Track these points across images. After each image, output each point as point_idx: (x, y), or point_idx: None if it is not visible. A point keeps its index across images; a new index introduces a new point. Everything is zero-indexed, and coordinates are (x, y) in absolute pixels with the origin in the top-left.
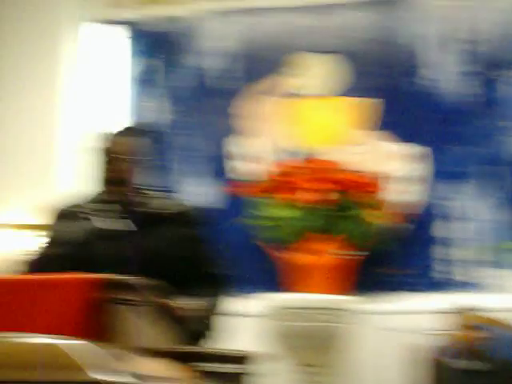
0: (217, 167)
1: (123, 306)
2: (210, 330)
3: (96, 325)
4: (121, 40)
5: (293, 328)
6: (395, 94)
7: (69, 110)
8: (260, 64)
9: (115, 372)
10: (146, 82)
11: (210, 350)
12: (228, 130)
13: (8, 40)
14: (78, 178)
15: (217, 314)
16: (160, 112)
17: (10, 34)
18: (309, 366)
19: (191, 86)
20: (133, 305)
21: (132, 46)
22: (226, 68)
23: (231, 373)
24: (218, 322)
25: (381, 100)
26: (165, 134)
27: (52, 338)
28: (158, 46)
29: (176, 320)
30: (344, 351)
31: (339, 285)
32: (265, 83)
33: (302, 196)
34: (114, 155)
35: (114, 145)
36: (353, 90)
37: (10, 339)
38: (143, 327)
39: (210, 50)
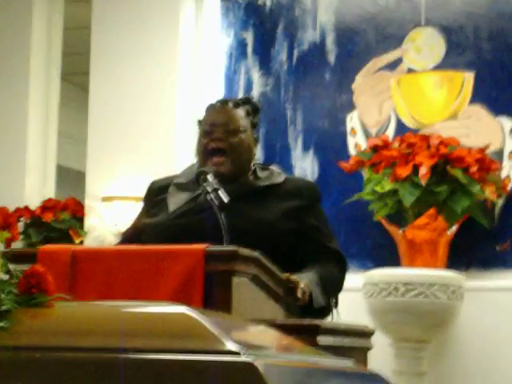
0: (328, 142)
1: (243, 278)
2: (333, 306)
3: (215, 296)
4: (215, 12)
5: (398, 303)
6: (489, 66)
7: (185, 84)
8: (375, 39)
9: (243, 343)
10: (244, 54)
11: (327, 324)
12: (341, 105)
13: (126, 13)
14: (190, 154)
15: (339, 289)
16: (262, 86)
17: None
18: (413, 341)
19: (297, 60)
20: (252, 277)
21: (225, 17)
22: (330, 41)
23: (346, 346)
24: (339, 298)
25: (475, 72)
26: (270, 107)
27: (180, 307)
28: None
29: (297, 294)
30: (450, 328)
31: (449, 260)
32: (381, 58)
33: (419, 172)
34: (212, 126)
35: (211, 116)
36: (447, 63)
37: (138, 308)
38: (263, 300)
39: (310, 23)
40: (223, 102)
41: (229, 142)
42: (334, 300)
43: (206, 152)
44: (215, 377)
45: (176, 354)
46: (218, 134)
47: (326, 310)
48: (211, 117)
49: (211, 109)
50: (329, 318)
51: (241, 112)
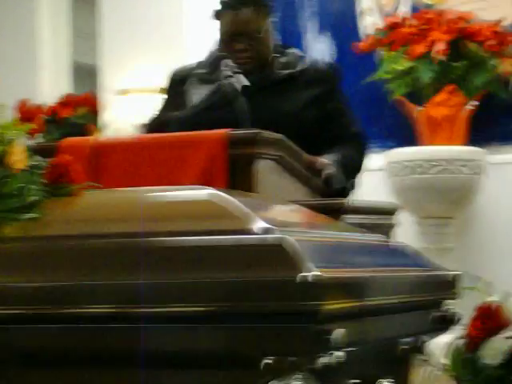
0: (343, 23)
1: (267, 161)
2: (354, 187)
3: (239, 179)
4: None
5: (421, 180)
6: None
7: None
8: None
9: (271, 221)
10: None
11: (352, 202)
12: None
13: None
14: (203, 42)
15: (359, 170)
16: None
17: None
18: (436, 218)
19: None
20: (276, 159)
21: None
22: None
23: (371, 224)
24: (360, 179)
25: None
26: None
27: (206, 190)
28: None
29: (321, 175)
30: (474, 202)
31: (470, 136)
32: None
33: (435, 48)
34: (232, 38)
35: (229, 25)
36: None
37: (166, 192)
38: (287, 181)
39: None
40: (237, 8)
41: (254, 50)
42: (352, 181)
43: (225, 38)
44: (247, 256)
45: (206, 236)
46: (240, 46)
47: (344, 191)
48: (230, 25)
49: (227, 12)
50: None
51: (256, 9)
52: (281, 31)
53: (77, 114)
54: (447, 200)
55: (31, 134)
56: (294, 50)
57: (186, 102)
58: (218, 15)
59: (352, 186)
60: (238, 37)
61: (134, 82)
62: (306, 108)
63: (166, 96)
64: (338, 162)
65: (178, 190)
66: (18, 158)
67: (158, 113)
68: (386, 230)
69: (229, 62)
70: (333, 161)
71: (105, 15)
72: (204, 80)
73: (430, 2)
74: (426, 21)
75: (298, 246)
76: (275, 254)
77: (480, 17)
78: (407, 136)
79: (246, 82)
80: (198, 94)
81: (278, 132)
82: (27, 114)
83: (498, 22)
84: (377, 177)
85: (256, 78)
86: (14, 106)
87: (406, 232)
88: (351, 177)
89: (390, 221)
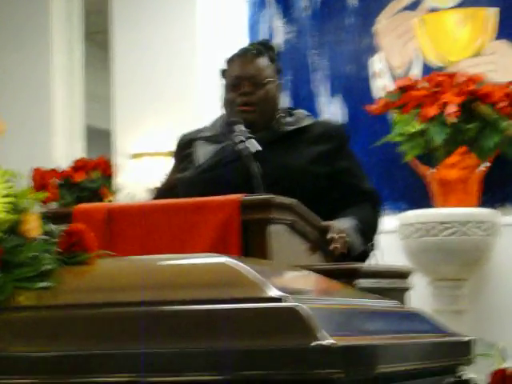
0: (356, 85)
1: (280, 226)
2: (374, 248)
3: (252, 245)
4: None
5: (434, 242)
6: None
7: (207, 35)
8: None
9: (284, 288)
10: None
11: (365, 267)
12: (365, 48)
13: None
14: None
15: (376, 231)
16: (285, 33)
17: None
18: (449, 280)
19: (319, 5)
20: (289, 224)
21: None
22: None
23: (385, 288)
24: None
25: (498, 8)
26: (294, 54)
27: (220, 257)
28: None
29: (336, 241)
30: (487, 264)
31: (482, 198)
32: None
33: (448, 110)
34: (238, 79)
35: (236, 68)
36: (469, 0)
37: (179, 260)
38: (301, 246)
39: None
40: (246, 52)
41: (257, 96)
42: (371, 244)
43: (234, 106)
44: (260, 324)
45: (220, 304)
46: (246, 88)
47: (364, 254)
48: (236, 69)
49: (235, 60)
50: (368, 261)
51: (265, 61)
52: (293, 94)
53: (90, 177)
54: (460, 262)
55: (45, 201)
56: (300, 110)
57: (193, 163)
58: (224, 71)
59: (372, 248)
60: (242, 81)
61: (147, 146)
62: (313, 163)
63: (173, 160)
64: (354, 227)
65: (191, 257)
66: (32, 226)
67: (166, 176)
68: (401, 293)
69: (241, 127)
70: (349, 226)
71: (117, 79)
72: (211, 141)
73: (441, 65)
74: (438, 83)
75: (311, 313)
76: (289, 322)
77: (490, 79)
78: (420, 197)
79: (259, 147)
80: (204, 154)
81: (286, 188)
82: (41, 181)
83: (509, 84)
84: (389, 239)
85: (263, 134)
86: (28, 172)
87: (419, 294)
88: (370, 239)
89: (404, 284)
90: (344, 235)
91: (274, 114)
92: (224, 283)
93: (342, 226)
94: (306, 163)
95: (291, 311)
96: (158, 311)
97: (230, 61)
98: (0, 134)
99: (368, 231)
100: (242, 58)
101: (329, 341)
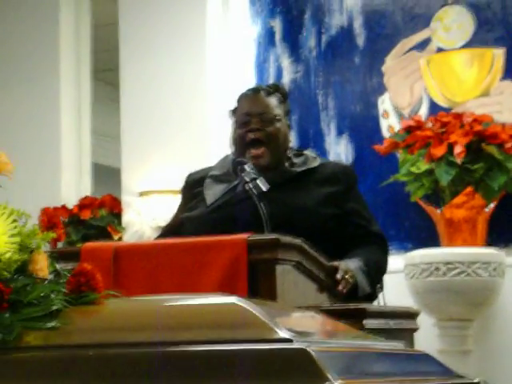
0: (361, 125)
1: (287, 266)
2: (382, 289)
3: (260, 284)
4: (242, 1)
5: (439, 283)
6: None
7: (215, 74)
8: (403, 20)
9: (293, 330)
10: (271, 42)
11: (373, 308)
12: (373, 88)
13: (153, 7)
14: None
15: (384, 272)
16: (292, 73)
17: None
18: (455, 320)
19: (326, 46)
20: (295, 265)
21: (252, 5)
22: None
23: (392, 329)
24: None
25: (505, 48)
26: (301, 94)
27: (229, 298)
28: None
29: (343, 283)
30: (493, 305)
31: (489, 238)
32: (410, 39)
33: (454, 150)
34: (248, 116)
35: (246, 105)
36: (476, 41)
37: (187, 301)
38: (308, 286)
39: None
40: (256, 91)
41: (266, 132)
42: (379, 285)
43: (243, 143)
44: (270, 365)
45: (229, 345)
46: (255, 125)
47: (371, 295)
48: (246, 106)
49: (245, 98)
50: (376, 302)
51: (274, 100)
52: (300, 133)
53: (97, 215)
54: (466, 302)
55: (54, 241)
56: (308, 151)
57: (202, 202)
58: (234, 110)
59: (381, 289)
60: (251, 117)
61: (155, 184)
62: (321, 205)
63: (181, 198)
64: (360, 267)
65: (199, 298)
66: (40, 266)
67: (173, 215)
68: (408, 333)
69: (250, 166)
70: (356, 267)
71: (126, 117)
72: (219, 180)
73: (448, 105)
74: (444, 123)
75: (318, 356)
76: (297, 365)
77: (497, 119)
78: (427, 237)
79: (267, 186)
80: (214, 193)
81: (294, 227)
82: (49, 220)
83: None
84: (396, 278)
85: (272, 175)
86: (36, 210)
87: (424, 334)
88: (377, 280)
89: (411, 325)
90: (350, 275)
91: (283, 154)
92: (232, 324)
93: (349, 267)
94: (314, 205)
95: (299, 353)
96: (168, 352)
97: (240, 99)
98: (8, 173)
99: (375, 273)
100: (252, 95)
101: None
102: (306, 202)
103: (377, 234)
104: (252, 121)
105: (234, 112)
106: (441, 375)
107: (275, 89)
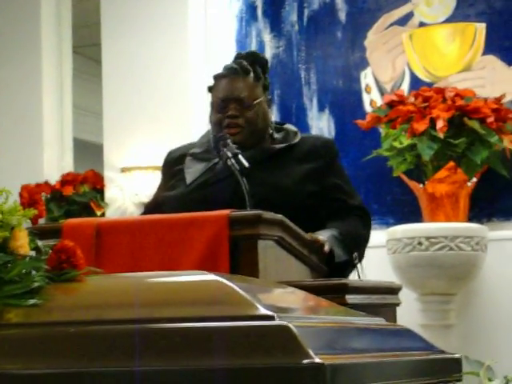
0: (343, 100)
1: (268, 242)
2: (360, 260)
3: (241, 260)
4: None
5: (422, 257)
6: (500, 16)
7: (197, 50)
8: None
9: (274, 306)
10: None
11: (355, 282)
12: (355, 62)
13: None
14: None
15: (364, 243)
16: (274, 48)
17: None
18: (437, 295)
19: (307, 20)
20: (276, 240)
21: None
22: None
23: (374, 304)
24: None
25: (486, 23)
26: (283, 69)
27: (209, 275)
28: None
29: (324, 254)
30: (475, 279)
31: (471, 213)
32: (391, 14)
33: (436, 125)
34: (225, 102)
35: (223, 89)
36: (458, 15)
37: (168, 278)
38: (288, 261)
39: None
40: (232, 71)
41: (244, 117)
42: (356, 254)
43: (220, 127)
44: (251, 342)
45: (209, 322)
46: (233, 111)
47: (349, 265)
48: (222, 91)
49: (221, 80)
50: (355, 274)
51: (251, 80)
52: (282, 108)
53: (79, 191)
54: (448, 277)
55: (36, 217)
56: (289, 126)
57: (182, 181)
58: (210, 88)
59: (356, 259)
60: (229, 103)
61: (137, 160)
62: (301, 183)
63: (161, 177)
64: (334, 235)
65: (179, 275)
66: (21, 243)
67: (154, 193)
68: (390, 308)
69: (229, 142)
70: (329, 236)
71: (107, 93)
72: (199, 158)
73: (429, 80)
74: (426, 98)
75: (299, 332)
76: (278, 341)
77: (479, 94)
78: (409, 212)
79: (247, 164)
80: (194, 172)
81: (274, 206)
82: (30, 197)
83: (497, 99)
84: (377, 253)
85: (251, 153)
86: (18, 187)
87: (406, 309)
88: (354, 250)
89: (393, 300)
90: (319, 245)
91: (263, 133)
92: (213, 301)
93: (317, 237)
94: (294, 183)
95: (278, 330)
96: (149, 329)
97: (216, 78)
98: None
99: (350, 242)
100: (228, 78)
101: (316, 360)
102: (286, 180)
103: (358, 208)
104: (230, 107)
105: (211, 90)
106: (422, 350)
107: (253, 60)
